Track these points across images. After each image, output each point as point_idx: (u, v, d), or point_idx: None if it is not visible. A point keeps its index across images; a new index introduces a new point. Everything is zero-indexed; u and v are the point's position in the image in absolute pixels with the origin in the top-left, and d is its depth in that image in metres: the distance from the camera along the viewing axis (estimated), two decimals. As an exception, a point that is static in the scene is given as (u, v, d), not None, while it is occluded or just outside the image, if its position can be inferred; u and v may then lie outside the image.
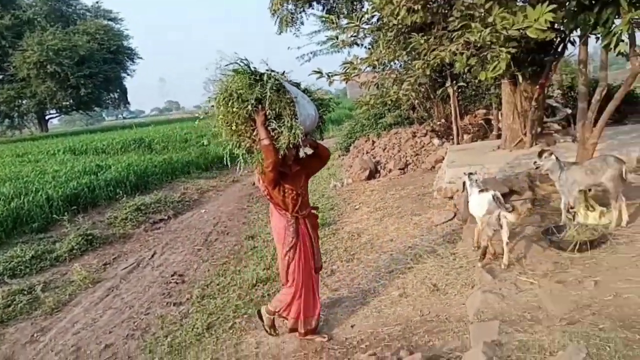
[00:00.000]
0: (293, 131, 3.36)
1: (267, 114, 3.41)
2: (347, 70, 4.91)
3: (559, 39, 6.17)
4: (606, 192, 4.87)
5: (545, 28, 3.65)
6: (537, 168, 5.01)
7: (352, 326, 4.13)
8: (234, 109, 3.38)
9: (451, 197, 6.91)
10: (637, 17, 3.89)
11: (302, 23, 11.06)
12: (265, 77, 3.40)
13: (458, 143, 10.21)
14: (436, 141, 10.70)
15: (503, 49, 3.86)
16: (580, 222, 4.85)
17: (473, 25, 3.82)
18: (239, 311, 4.80)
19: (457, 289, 4.32)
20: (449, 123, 11.18)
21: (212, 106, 3.60)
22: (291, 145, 3.45)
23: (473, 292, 4.05)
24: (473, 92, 10.98)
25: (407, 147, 10.61)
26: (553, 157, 4.85)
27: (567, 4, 4.27)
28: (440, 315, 3.97)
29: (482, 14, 3.82)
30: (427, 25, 4.79)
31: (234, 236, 7.63)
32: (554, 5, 3.59)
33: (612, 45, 4.28)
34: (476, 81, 8.22)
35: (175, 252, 7.26)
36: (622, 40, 4.28)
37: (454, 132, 10.37)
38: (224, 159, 3.68)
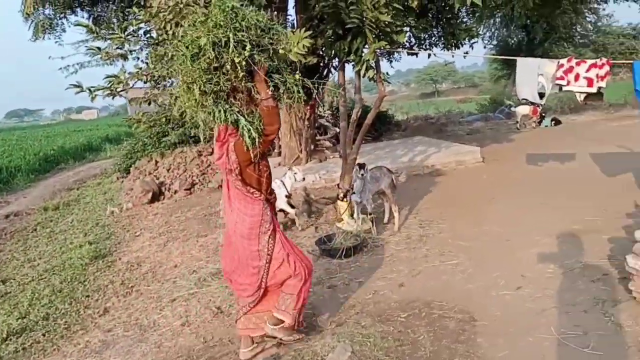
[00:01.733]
0: (299, 89, 2.83)
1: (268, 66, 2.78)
2: (112, 85, 4.48)
3: (323, 64, 6.81)
4: (385, 197, 5.58)
5: (304, 52, 3.92)
6: (361, 177, 5.34)
7: (127, 368, 3.71)
8: (234, 57, 2.55)
9: (236, 215, 6.94)
10: (380, 47, 4.50)
11: (63, 30, 9.79)
12: (262, 19, 2.75)
13: (243, 161, 10.41)
14: (222, 159, 10.70)
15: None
16: (346, 229, 5.39)
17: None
18: (-20, 377, 3.86)
19: (241, 308, 4.28)
20: (234, 141, 11.33)
21: (182, 54, 2.63)
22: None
23: (255, 309, 4.07)
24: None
25: (193, 167, 10.34)
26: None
27: (325, 33, 4.71)
28: (223, 338, 3.84)
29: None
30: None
31: (-24, 283, 6.18)
32: (309, 32, 3.90)
33: (362, 71, 4.89)
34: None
35: None
36: (372, 67, 4.94)
37: (239, 150, 10.55)
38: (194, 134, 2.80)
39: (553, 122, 12.81)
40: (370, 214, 5.49)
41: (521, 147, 9.68)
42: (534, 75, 4.42)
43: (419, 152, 8.86)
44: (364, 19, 4.11)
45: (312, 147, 8.61)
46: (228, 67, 2.64)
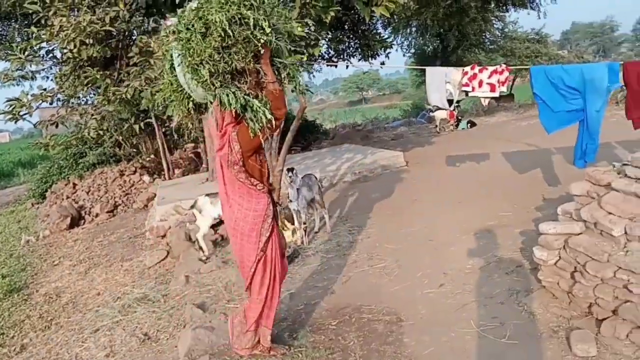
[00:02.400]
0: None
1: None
2: (14, 109, 4.18)
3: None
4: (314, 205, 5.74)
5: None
6: (291, 182, 5.33)
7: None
8: (260, 36, 2.48)
9: (164, 236, 6.70)
10: (296, 60, 4.56)
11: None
12: None
13: (169, 178, 10.10)
14: (147, 178, 10.32)
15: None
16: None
17: (152, 61, 3.80)
18: None
19: (170, 332, 4.13)
20: (159, 159, 10.97)
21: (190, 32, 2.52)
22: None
23: (184, 332, 3.95)
24: (179, 126, 11.12)
25: (115, 187, 9.87)
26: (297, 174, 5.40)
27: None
28: (151, 366, 3.71)
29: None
30: (108, 59, 4.54)
31: None
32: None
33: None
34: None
35: None
36: (292, 79, 4.98)
37: (165, 167, 10.23)
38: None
39: (469, 124, 13.58)
40: (304, 223, 5.54)
41: (441, 150, 10.17)
42: (442, 82, 4.68)
43: (347, 159, 9.05)
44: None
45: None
46: (240, 46, 2.52)
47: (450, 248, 4.71)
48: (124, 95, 3.95)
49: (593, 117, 4.32)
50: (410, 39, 22.46)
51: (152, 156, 11.41)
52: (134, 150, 11.44)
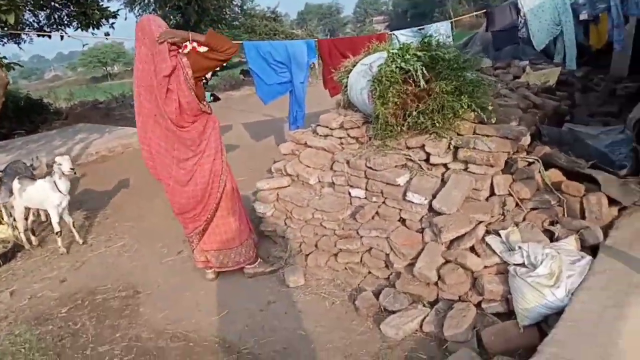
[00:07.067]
0: None
1: None
2: None
3: None
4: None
5: None
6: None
7: None
8: None
9: None
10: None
11: None
12: None
13: None
14: None
15: None
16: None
17: None
18: None
19: None
20: None
21: None
22: None
23: None
24: None
25: None
26: None
27: None
28: None
29: None
30: None
31: None
32: None
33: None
34: None
35: None
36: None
37: None
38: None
39: (212, 97, 13.93)
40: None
41: (187, 124, 10.21)
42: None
43: (81, 139, 8.27)
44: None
45: None
46: None
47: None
48: None
49: (299, 88, 5.03)
50: (149, 11, 21.40)
51: None
52: None
